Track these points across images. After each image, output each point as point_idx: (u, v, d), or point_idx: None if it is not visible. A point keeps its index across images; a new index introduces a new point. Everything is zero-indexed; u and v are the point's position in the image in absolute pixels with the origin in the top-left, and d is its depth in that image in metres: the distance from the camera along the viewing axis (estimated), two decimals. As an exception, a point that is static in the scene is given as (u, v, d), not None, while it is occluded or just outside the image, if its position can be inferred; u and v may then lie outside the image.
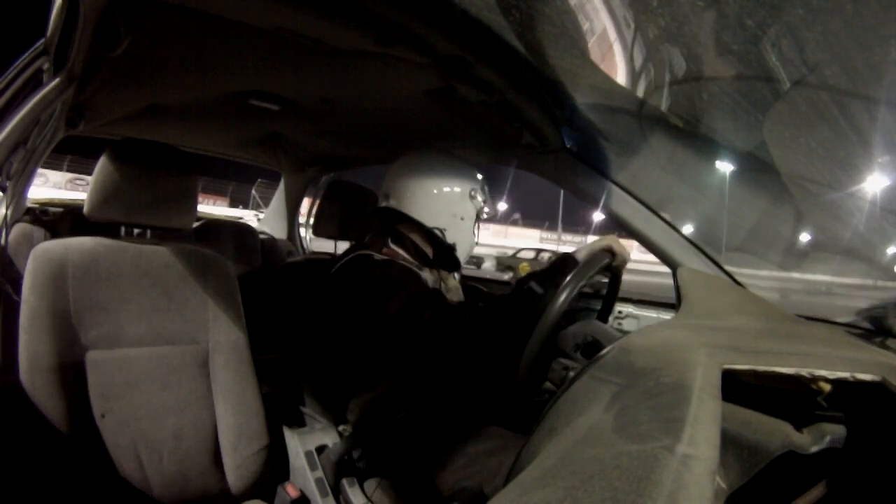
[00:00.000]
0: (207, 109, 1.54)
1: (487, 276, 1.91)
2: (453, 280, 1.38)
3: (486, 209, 1.29)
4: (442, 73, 1.04)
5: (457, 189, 1.25)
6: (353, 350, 1.19)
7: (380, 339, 1.13)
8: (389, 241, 1.24)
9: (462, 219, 1.25)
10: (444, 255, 1.27)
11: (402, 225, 1.25)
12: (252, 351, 1.19)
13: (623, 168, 1.28)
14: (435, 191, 1.24)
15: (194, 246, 1.21)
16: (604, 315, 1.19)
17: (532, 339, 0.92)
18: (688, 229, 1.22)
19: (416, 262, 1.22)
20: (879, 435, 0.58)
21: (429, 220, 1.23)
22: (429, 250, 1.26)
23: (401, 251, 1.23)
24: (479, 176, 1.30)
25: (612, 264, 1.06)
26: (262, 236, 2.40)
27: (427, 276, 1.23)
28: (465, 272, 2.17)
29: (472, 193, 1.26)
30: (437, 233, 1.23)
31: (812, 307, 1.09)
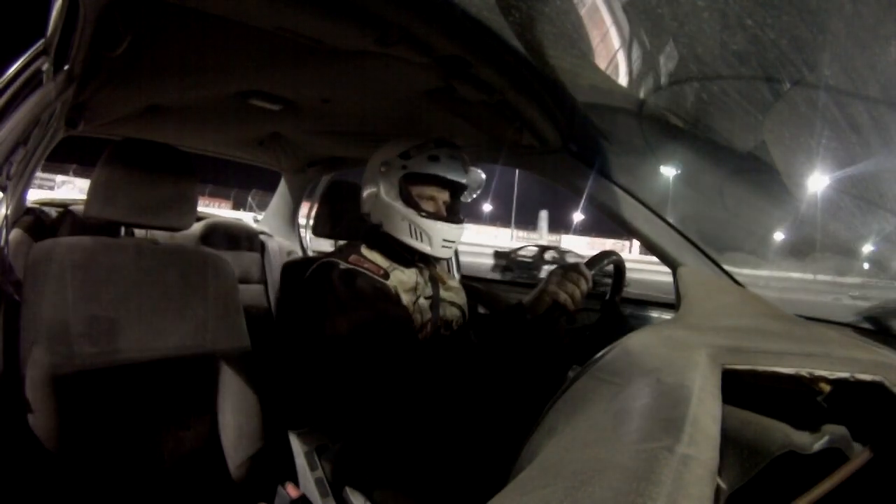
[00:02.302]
0: (207, 109, 1.55)
1: (488, 277, 1.90)
2: (453, 280, 1.35)
3: (410, 172, 1.12)
4: (442, 73, 1.04)
5: (370, 168, 1.19)
6: (311, 359, 1.14)
7: (320, 354, 1.09)
8: (363, 246, 1.18)
9: (377, 196, 1.16)
10: (400, 245, 1.15)
11: (376, 226, 1.19)
12: (252, 351, 1.19)
13: (623, 168, 1.28)
14: (364, 178, 1.20)
15: (194, 246, 1.21)
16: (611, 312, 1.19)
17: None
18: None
19: (386, 268, 1.14)
20: (879, 435, 0.58)
21: (363, 209, 1.19)
22: (397, 246, 1.17)
23: (370, 258, 1.15)
24: (403, 145, 1.15)
25: (615, 262, 1.08)
26: (261, 236, 2.40)
27: (405, 278, 1.15)
28: (464, 272, 2.17)
29: (382, 168, 1.15)
30: (368, 219, 1.16)
31: (812, 307, 1.08)
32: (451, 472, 1.03)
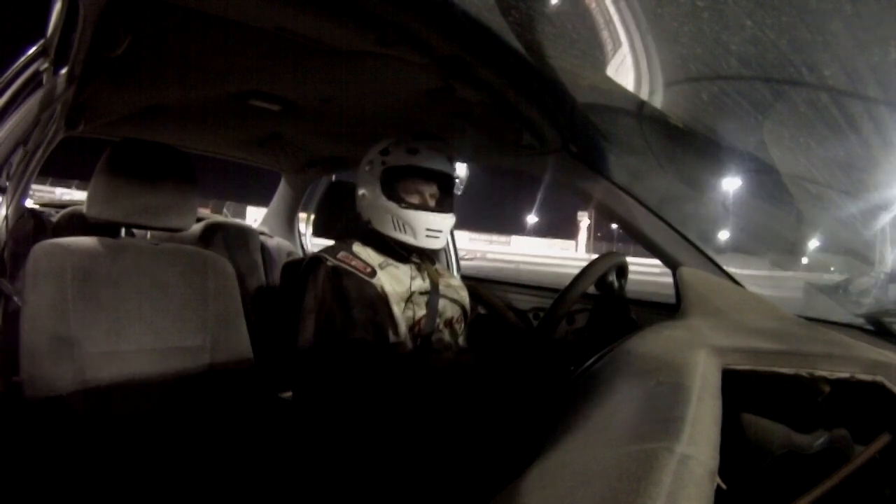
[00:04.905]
0: (207, 110, 1.54)
1: (489, 277, 1.90)
2: (454, 278, 1.34)
3: (389, 166, 1.13)
4: (442, 73, 1.04)
5: (359, 169, 1.21)
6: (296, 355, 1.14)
7: (297, 350, 1.09)
8: (356, 243, 1.18)
9: (363, 195, 1.18)
10: (390, 240, 1.16)
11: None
12: (252, 351, 1.19)
13: (623, 168, 1.28)
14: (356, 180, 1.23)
15: (194, 246, 1.21)
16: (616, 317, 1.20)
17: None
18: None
19: (377, 265, 1.14)
20: (879, 435, 0.58)
21: (357, 209, 1.21)
22: (391, 242, 1.17)
23: (361, 254, 1.15)
24: (384, 142, 1.17)
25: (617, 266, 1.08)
26: (261, 237, 2.40)
27: (399, 274, 1.15)
28: (464, 272, 2.17)
29: (366, 167, 1.18)
30: (359, 216, 1.18)
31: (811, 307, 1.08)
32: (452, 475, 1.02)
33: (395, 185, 1.15)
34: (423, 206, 1.16)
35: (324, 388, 1.07)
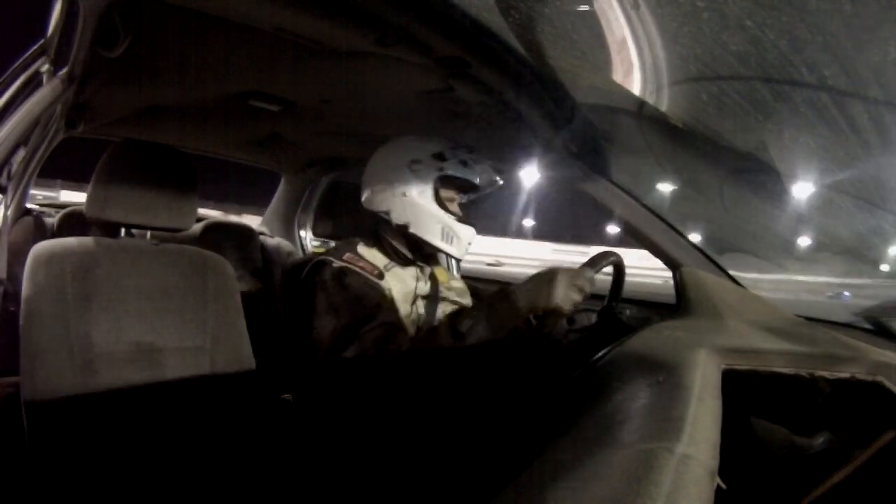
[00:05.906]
0: (207, 110, 1.55)
1: (488, 277, 1.90)
2: (457, 280, 1.33)
3: (446, 174, 1.12)
4: (441, 73, 1.04)
5: (394, 164, 1.16)
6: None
7: (307, 353, 1.08)
8: (361, 244, 1.16)
9: (404, 195, 1.13)
10: (415, 244, 1.15)
11: (379, 222, 1.19)
12: (252, 351, 1.19)
13: (623, 168, 1.28)
14: (377, 173, 1.18)
15: (194, 247, 1.21)
16: (608, 313, 1.20)
17: None
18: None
19: (383, 267, 1.12)
20: (879, 435, 0.58)
21: (377, 206, 1.17)
22: (402, 245, 1.17)
23: (367, 256, 1.14)
24: (434, 146, 1.15)
25: (614, 263, 1.08)
26: (261, 237, 2.40)
27: (405, 276, 1.14)
28: (464, 272, 2.17)
29: (414, 166, 1.13)
30: (384, 216, 1.15)
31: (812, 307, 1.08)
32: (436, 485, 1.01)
33: (441, 193, 1.15)
34: (465, 219, 1.17)
35: (346, 387, 1.06)
